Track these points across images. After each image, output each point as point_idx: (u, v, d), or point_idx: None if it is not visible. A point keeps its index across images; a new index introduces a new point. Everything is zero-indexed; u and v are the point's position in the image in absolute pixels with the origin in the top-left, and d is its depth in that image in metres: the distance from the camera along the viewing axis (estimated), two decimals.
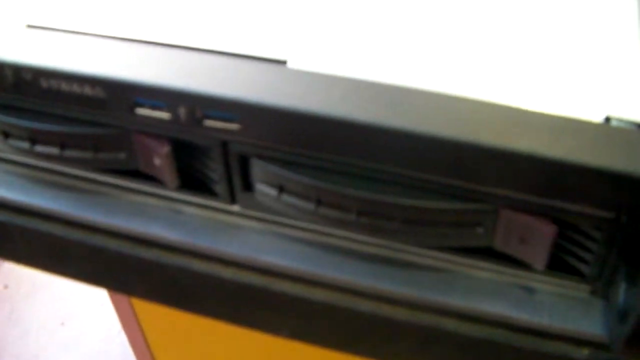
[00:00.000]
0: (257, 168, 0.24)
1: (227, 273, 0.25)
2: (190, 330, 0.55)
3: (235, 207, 0.26)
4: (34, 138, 0.26)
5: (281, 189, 0.23)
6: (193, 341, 0.57)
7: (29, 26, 0.27)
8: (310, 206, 0.23)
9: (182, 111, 0.23)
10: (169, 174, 0.25)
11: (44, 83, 0.25)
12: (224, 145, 0.24)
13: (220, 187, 0.25)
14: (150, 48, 0.25)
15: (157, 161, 0.25)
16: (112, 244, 0.27)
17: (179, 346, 0.60)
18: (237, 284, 0.25)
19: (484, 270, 0.24)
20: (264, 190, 0.24)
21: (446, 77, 0.24)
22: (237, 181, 0.25)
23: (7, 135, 0.27)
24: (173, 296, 0.27)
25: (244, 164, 0.24)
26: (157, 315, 0.57)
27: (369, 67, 0.24)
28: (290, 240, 0.25)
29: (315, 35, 0.26)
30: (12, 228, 0.28)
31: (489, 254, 0.24)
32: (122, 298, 0.54)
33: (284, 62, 0.24)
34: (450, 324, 0.24)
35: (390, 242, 0.24)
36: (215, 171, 0.25)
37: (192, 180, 0.26)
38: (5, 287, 1.00)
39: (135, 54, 0.25)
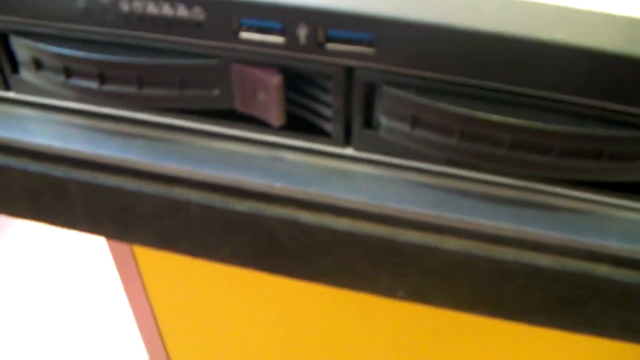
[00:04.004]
0: (389, 98, 0.21)
1: (342, 224, 0.23)
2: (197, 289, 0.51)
3: (349, 150, 0.23)
4: (104, 74, 0.23)
5: (415, 121, 0.21)
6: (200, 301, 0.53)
7: None
8: (452, 141, 0.21)
9: (301, 33, 0.20)
10: (276, 110, 0.22)
11: (124, 6, 0.22)
12: (349, 73, 0.21)
13: (334, 126, 0.23)
14: None
15: (261, 96, 0.22)
16: (195, 197, 0.24)
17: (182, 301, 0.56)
18: (354, 236, 0.22)
19: (636, 212, 0.22)
20: (392, 125, 0.21)
21: None
22: (357, 117, 0.22)
23: (69, 73, 0.23)
24: (270, 258, 0.24)
25: (369, 95, 0.21)
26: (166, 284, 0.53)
27: None
28: (416, 185, 0.23)
29: None
30: (70, 184, 0.25)
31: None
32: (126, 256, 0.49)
33: None
34: (603, 271, 0.21)
35: (537, 181, 0.22)
36: (329, 106, 0.22)
37: (292, 122, 0.23)
38: None
39: None
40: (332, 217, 0.23)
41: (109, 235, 0.26)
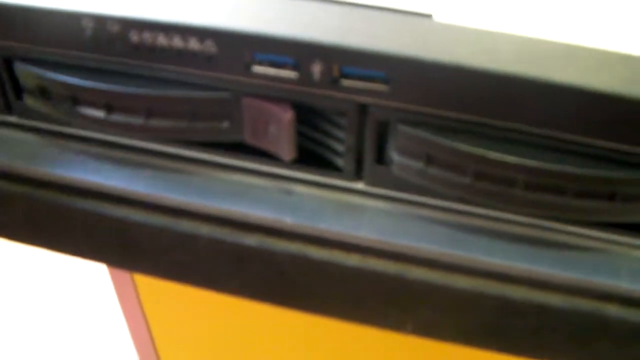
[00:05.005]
0: (402, 136, 0.21)
1: (352, 260, 0.22)
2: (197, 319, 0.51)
3: (360, 185, 0.23)
4: (112, 104, 0.23)
5: (429, 160, 0.21)
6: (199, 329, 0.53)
7: None
8: (465, 180, 0.20)
9: (315, 69, 0.20)
10: (287, 145, 0.22)
11: (134, 37, 0.21)
12: (362, 110, 0.21)
13: (345, 161, 0.22)
14: None
15: (273, 130, 0.22)
16: (204, 230, 0.23)
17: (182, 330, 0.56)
18: (364, 272, 0.22)
19: None
20: (405, 162, 0.21)
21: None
22: (369, 153, 0.22)
23: (76, 101, 0.23)
24: (279, 291, 0.24)
25: (382, 131, 0.21)
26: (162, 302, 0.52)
27: (523, 22, 0.21)
28: (428, 221, 0.23)
29: None
30: (74, 213, 0.24)
31: None
32: (126, 283, 0.49)
33: (429, 16, 0.21)
34: (612, 310, 0.21)
35: (549, 219, 0.22)
36: (341, 141, 0.22)
37: (302, 154, 0.23)
38: None
39: (251, 2, 0.21)
40: (342, 253, 0.23)
41: (115, 264, 0.26)
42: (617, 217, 0.21)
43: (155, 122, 0.23)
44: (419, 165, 0.21)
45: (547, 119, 0.20)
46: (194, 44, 0.21)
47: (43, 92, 0.24)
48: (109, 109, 0.23)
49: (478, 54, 0.20)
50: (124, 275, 0.45)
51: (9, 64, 0.25)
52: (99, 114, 0.23)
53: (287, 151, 0.22)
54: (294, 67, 0.21)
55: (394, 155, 0.22)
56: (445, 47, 0.20)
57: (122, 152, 0.25)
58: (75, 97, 0.23)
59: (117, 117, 0.23)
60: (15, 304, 1.02)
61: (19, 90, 0.25)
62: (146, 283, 0.46)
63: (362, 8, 0.22)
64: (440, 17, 0.21)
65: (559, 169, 0.20)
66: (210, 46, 0.21)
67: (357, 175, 0.23)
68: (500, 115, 0.20)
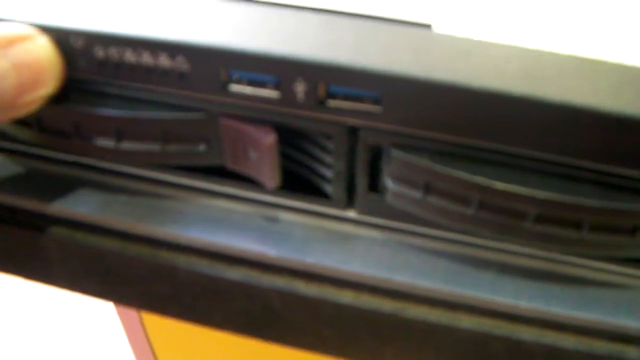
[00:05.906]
0: (397, 162, 0.18)
1: (344, 298, 0.20)
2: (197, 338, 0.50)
3: (351, 213, 0.21)
4: (79, 125, 0.20)
5: (428, 188, 0.18)
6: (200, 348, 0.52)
7: None
8: (469, 211, 0.18)
9: (298, 88, 0.18)
10: (269, 171, 0.19)
11: (99, 53, 0.19)
12: (352, 133, 0.18)
13: (335, 188, 0.20)
14: (249, 8, 0.19)
15: (253, 154, 0.19)
16: (183, 262, 0.21)
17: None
18: (358, 311, 0.20)
19: None
20: (401, 190, 0.19)
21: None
22: (360, 179, 0.19)
23: (41, 122, 0.21)
24: (265, 326, 0.22)
25: (375, 157, 0.19)
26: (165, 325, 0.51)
27: (531, 32, 0.19)
28: (427, 253, 0.20)
29: None
30: (46, 242, 0.22)
31: None
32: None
33: (427, 26, 0.19)
34: (633, 354, 0.19)
35: (566, 255, 0.19)
36: (330, 167, 0.20)
37: (288, 178, 0.21)
38: None
39: (228, 14, 0.19)
40: (333, 289, 0.20)
41: (92, 294, 0.24)
42: (638, 252, 0.19)
43: (126, 145, 0.21)
44: (416, 194, 0.19)
45: (560, 144, 0.17)
46: (164, 61, 0.19)
47: None
48: (76, 130, 0.21)
49: (482, 71, 0.17)
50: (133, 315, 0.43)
51: None
52: (66, 135, 0.21)
53: (271, 178, 0.20)
54: (276, 86, 0.19)
55: (389, 183, 0.19)
56: (445, 62, 0.18)
57: (93, 174, 0.23)
58: (40, 118, 0.21)
59: (85, 140, 0.21)
60: (22, 342, 1.00)
61: None
62: (154, 317, 0.44)
63: (353, 18, 0.19)
64: (441, 27, 0.19)
65: (574, 201, 0.18)
66: (182, 63, 0.19)
67: (348, 203, 0.21)
68: (508, 140, 0.17)
